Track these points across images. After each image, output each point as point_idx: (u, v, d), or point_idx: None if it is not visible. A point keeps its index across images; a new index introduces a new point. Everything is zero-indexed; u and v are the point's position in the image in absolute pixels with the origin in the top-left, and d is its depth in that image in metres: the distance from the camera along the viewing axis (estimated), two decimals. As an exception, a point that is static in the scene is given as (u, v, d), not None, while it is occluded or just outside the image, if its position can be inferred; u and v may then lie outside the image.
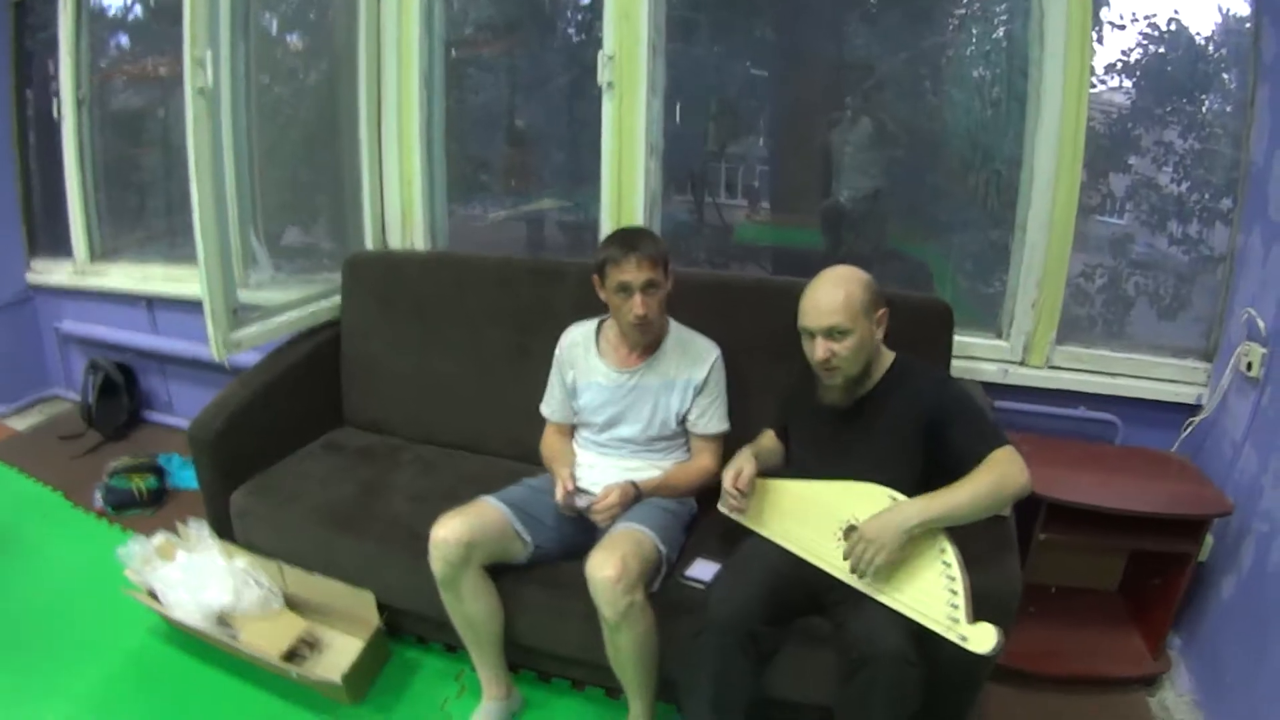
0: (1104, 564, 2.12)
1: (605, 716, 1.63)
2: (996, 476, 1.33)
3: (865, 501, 1.43)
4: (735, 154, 2.30)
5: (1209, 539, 1.93)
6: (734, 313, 1.71)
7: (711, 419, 1.68)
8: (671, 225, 2.23)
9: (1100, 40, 1.99)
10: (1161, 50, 2.03)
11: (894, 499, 1.40)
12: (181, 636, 1.78)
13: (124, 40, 2.65)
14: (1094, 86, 1.98)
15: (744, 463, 1.53)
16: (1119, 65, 2.05)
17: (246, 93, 2.03)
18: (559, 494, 1.56)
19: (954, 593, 1.29)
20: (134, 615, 1.81)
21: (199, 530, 1.81)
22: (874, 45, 2.17)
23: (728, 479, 1.51)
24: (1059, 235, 1.91)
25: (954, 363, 1.95)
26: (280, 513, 1.74)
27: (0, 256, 2.91)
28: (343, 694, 1.62)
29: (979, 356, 2.02)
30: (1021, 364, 2.01)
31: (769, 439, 1.66)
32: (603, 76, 1.87)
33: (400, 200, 2.03)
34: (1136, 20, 2.00)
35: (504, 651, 1.58)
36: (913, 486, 1.40)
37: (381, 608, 1.67)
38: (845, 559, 1.38)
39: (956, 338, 1.94)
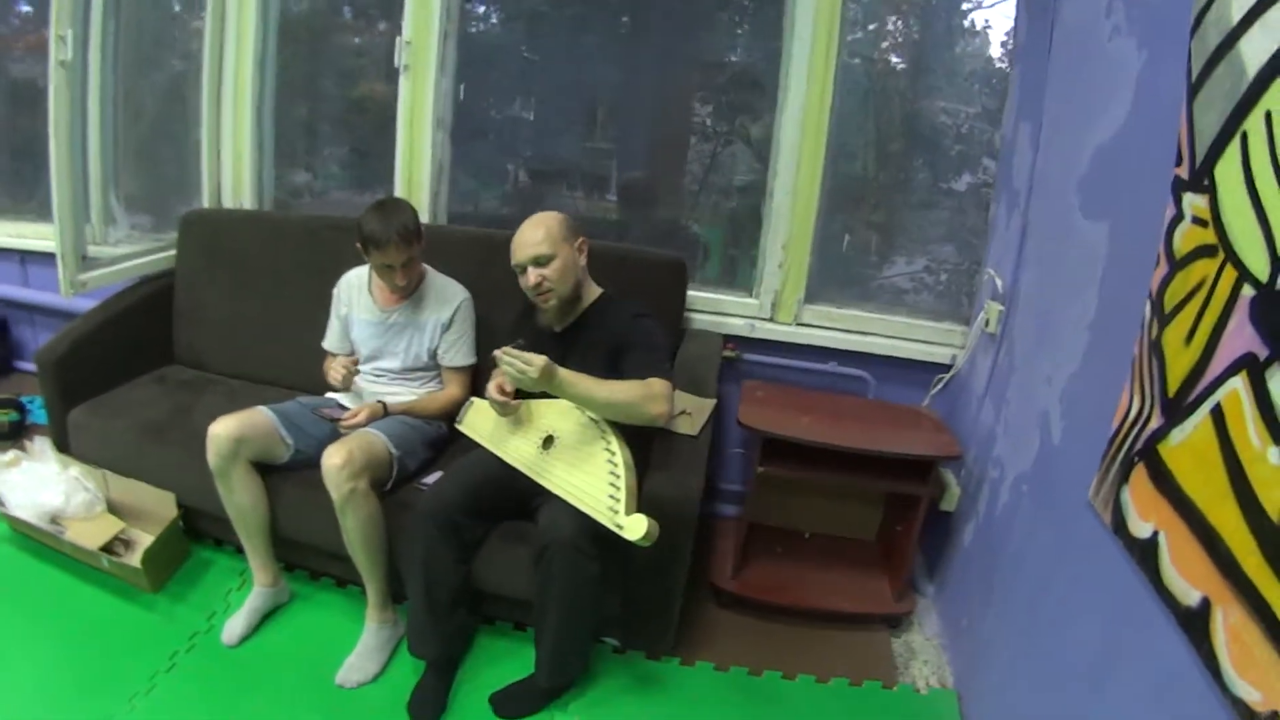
0: (862, 513, 2.36)
1: (360, 606, 1.95)
2: (640, 394, 1.62)
3: (562, 415, 1.75)
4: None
5: (956, 489, 2.19)
6: (491, 263, 2.06)
7: (458, 353, 2.04)
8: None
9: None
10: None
11: (582, 410, 1.71)
12: (20, 538, 2.15)
13: (25, 8, 2.82)
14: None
15: (501, 377, 1.80)
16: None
17: (115, 68, 2.44)
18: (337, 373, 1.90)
19: (616, 487, 1.57)
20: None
21: (42, 445, 2.21)
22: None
23: (492, 387, 1.80)
24: (803, 203, 2.21)
25: (704, 317, 2.28)
26: (107, 428, 2.13)
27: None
28: (143, 579, 1.99)
29: (729, 313, 2.31)
30: (770, 320, 2.31)
31: None
32: (399, 59, 2.26)
33: (233, 167, 2.44)
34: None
35: (271, 543, 1.92)
36: None
37: (181, 506, 2.04)
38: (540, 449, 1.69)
39: (710, 295, 2.28)
